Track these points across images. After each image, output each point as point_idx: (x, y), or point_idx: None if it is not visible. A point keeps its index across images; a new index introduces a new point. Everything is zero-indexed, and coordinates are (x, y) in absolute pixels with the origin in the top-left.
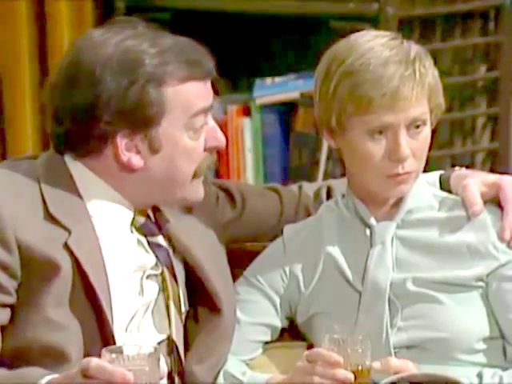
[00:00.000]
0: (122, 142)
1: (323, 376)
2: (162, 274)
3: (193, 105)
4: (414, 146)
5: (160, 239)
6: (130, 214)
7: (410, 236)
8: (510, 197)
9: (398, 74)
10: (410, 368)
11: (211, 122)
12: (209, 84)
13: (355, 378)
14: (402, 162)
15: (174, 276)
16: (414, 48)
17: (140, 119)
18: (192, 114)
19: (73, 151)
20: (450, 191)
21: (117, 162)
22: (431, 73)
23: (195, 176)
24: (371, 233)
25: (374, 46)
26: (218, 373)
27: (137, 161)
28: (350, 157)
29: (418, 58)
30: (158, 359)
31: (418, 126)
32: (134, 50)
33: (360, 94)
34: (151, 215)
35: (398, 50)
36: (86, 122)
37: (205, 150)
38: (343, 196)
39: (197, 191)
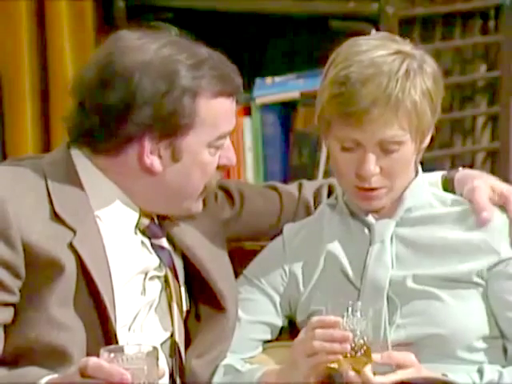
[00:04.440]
0: (148, 144)
1: (322, 338)
2: (165, 275)
3: (220, 126)
4: (386, 163)
5: (163, 241)
6: (135, 216)
7: (409, 234)
8: None
9: (372, 95)
10: (411, 360)
11: (227, 141)
12: (235, 103)
13: (357, 350)
14: (366, 179)
15: (177, 277)
16: (406, 66)
17: (171, 127)
18: (218, 135)
19: (89, 147)
20: (453, 192)
21: (139, 163)
22: (412, 96)
23: (204, 191)
24: (370, 231)
25: (365, 59)
26: (216, 368)
27: (158, 165)
28: (330, 160)
29: (404, 79)
30: (157, 358)
31: (391, 146)
32: (172, 60)
33: (334, 105)
34: (155, 217)
35: (386, 68)
36: (116, 121)
37: (217, 166)
38: (343, 193)
39: (198, 205)
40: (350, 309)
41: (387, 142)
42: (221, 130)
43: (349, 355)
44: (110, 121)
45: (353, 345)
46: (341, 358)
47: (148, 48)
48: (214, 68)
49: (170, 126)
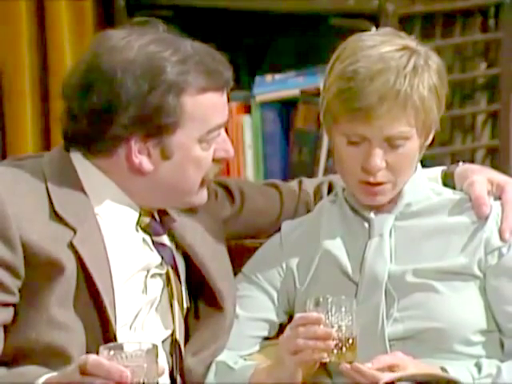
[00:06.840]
0: (135, 144)
1: (305, 336)
2: (167, 273)
3: (210, 120)
4: (391, 159)
5: (164, 239)
6: (135, 214)
7: (408, 226)
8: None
9: (380, 91)
10: (400, 358)
11: (223, 133)
12: (225, 96)
13: (342, 344)
14: (372, 173)
15: (178, 274)
16: (414, 61)
17: (156, 126)
18: (208, 129)
19: (84, 149)
20: (453, 187)
21: (128, 163)
22: (420, 92)
23: (202, 184)
24: (370, 225)
25: (373, 54)
26: (210, 365)
27: (147, 164)
28: (335, 155)
29: (412, 75)
30: (156, 356)
31: (398, 141)
32: (156, 57)
33: (342, 100)
34: (156, 214)
35: (394, 64)
36: (102, 123)
37: (213, 159)
38: (343, 190)
39: (201, 196)
40: (334, 303)
41: (394, 137)
42: (211, 125)
43: (335, 351)
44: (97, 123)
45: (337, 341)
46: (325, 355)
47: (132, 46)
48: (200, 63)
49: (155, 125)
